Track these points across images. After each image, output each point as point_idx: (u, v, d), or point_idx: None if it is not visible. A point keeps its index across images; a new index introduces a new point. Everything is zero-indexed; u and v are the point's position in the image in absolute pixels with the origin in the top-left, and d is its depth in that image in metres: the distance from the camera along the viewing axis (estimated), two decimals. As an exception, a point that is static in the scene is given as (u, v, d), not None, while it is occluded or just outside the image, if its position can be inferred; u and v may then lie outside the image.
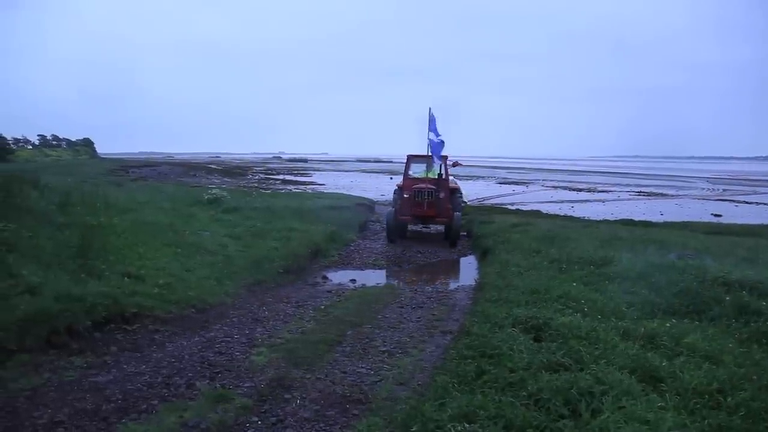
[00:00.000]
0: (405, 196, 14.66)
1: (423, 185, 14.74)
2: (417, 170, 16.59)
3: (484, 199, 33.97)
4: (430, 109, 15.05)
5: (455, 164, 16.90)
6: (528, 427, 3.37)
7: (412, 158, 16.41)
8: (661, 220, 22.90)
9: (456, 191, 15.94)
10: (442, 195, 14.50)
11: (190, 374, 4.91)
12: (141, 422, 3.93)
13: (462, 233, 15.59)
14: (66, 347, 5.22)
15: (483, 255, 12.04)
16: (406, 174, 16.21)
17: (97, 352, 5.26)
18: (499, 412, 3.54)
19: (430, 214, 14.57)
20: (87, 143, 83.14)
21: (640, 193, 43.05)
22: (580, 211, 26.76)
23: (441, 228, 15.79)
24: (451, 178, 16.78)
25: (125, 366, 5.01)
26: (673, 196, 41.05)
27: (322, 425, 4.11)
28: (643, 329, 5.44)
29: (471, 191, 35.56)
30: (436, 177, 15.25)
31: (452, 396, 3.93)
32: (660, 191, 44.96)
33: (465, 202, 18.71)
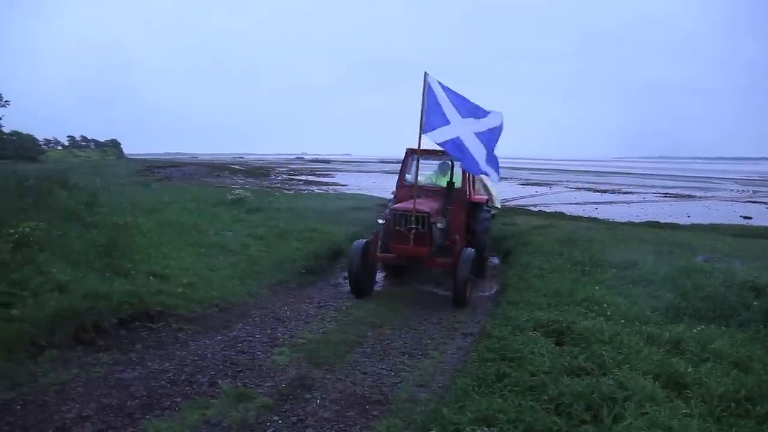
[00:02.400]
0: (380, 221, 9.26)
1: (406, 206, 8.45)
2: (425, 173, 10.49)
3: (506, 200, 33.72)
4: (426, 75, 8.05)
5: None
6: (548, 432, 3.35)
7: (414, 154, 9.14)
8: (688, 223, 22.47)
9: (479, 205, 10.03)
10: (441, 224, 8.39)
11: (212, 372, 4.98)
12: (164, 419, 4.00)
13: (491, 258, 11.55)
14: (93, 344, 5.33)
15: (504, 257, 11.96)
16: (401, 179, 9.99)
17: (123, 349, 5.37)
18: (519, 416, 3.52)
19: (418, 252, 8.24)
20: (114, 144, 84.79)
21: (666, 194, 42.29)
22: (604, 213, 26.38)
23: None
24: (478, 184, 11.93)
25: (150, 363, 5.10)
26: (700, 197, 40.24)
27: (341, 425, 4.13)
28: (667, 334, 5.36)
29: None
30: (447, 185, 9.48)
31: (472, 399, 3.93)
32: (687, 193, 44.12)
33: (496, 208, 13.51)
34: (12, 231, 6.57)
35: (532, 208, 27.10)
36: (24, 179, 10.17)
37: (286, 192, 27.79)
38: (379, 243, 8.92)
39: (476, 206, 9.99)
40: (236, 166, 61.01)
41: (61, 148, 74.40)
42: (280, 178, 49.25)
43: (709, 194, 43.84)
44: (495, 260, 11.85)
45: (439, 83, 8.18)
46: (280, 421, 4.11)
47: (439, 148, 8.41)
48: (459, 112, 8.20)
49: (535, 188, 46.77)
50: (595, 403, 3.67)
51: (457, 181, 9.81)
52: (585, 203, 33.26)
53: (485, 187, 12.71)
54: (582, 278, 8.03)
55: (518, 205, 29.63)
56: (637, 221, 22.00)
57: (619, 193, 43.37)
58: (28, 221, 7.00)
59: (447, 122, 8.10)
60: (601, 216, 24.28)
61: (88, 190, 11.72)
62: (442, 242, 8.76)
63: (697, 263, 9.05)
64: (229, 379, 4.84)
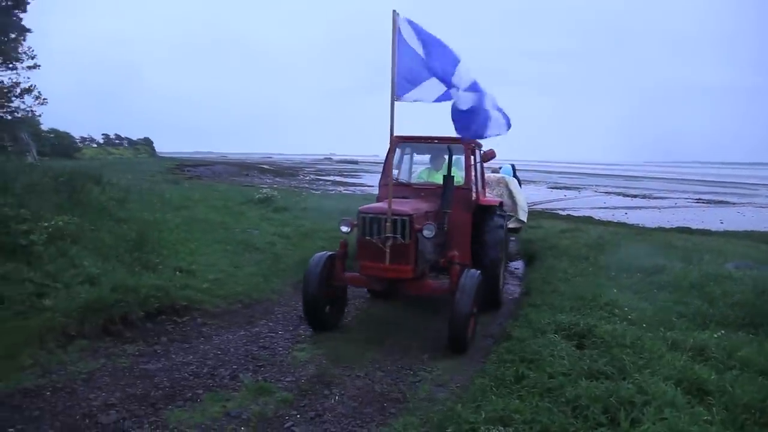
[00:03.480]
0: (343, 228, 6.37)
1: (377, 207, 6.23)
2: (419, 167, 8.68)
3: (533, 204, 33.39)
4: (395, 16, 5.71)
5: (487, 156, 8.76)
6: (564, 434, 3.33)
7: (402, 144, 7.97)
8: (721, 229, 21.92)
9: (490, 209, 7.74)
10: (429, 232, 5.92)
11: (234, 366, 5.08)
12: (186, 409, 4.10)
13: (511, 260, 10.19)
14: (120, 335, 5.49)
15: (530, 260, 11.86)
16: (387, 173, 7.08)
17: (149, 341, 5.52)
18: (535, 416, 3.52)
19: (397, 273, 5.97)
20: (147, 142, 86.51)
21: (699, 200, 41.31)
22: (634, 218, 25.93)
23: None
24: (500, 189, 10.74)
25: (174, 356, 5.23)
26: (735, 204, 39.17)
27: (358, 422, 4.18)
28: (691, 340, 5.26)
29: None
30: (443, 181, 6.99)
31: (489, 399, 3.93)
32: (721, 198, 43.02)
33: (521, 221, 11.23)
34: (47, 224, 6.79)
35: (560, 212, 26.79)
36: (60, 175, 10.49)
37: (313, 192, 28.03)
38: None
39: (486, 210, 7.66)
40: (265, 166, 61.76)
41: (95, 145, 76.32)
42: (308, 178, 49.66)
43: (744, 200, 42.64)
44: (518, 264, 11.66)
45: (414, 26, 5.80)
46: (298, 416, 4.18)
47: (434, 135, 7.43)
48: (443, 62, 5.75)
49: (564, 192, 46.17)
50: (613, 406, 3.63)
51: (458, 176, 7.39)
52: (614, 208, 32.70)
53: (510, 193, 10.96)
54: (607, 283, 7.91)
55: (546, 209, 29.30)
56: (667, 227, 21.55)
57: (649, 198, 42.53)
58: (62, 215, 7.23)
59: (427, 76, 5.81)
60: (630, 221, 23.87)
61: (120, 186, 12.03)
62: (434, 258, 6.47)
63: (727, 270, 8.84)
64: (250, 374, 4.93)
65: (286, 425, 4.00)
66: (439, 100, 5.97)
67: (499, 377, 4.47)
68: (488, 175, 10.45)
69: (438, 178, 7.45)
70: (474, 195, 7.62)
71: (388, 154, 7.28)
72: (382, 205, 6.20)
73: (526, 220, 11.08)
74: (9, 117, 14.80)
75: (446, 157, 7.07)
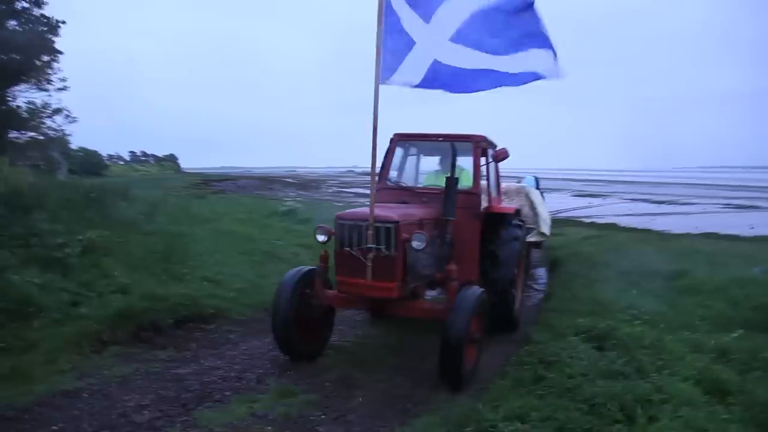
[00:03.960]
0: (319, 237, 5.48)
1: (357, 213, 5.30)
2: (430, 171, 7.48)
3: (558, 212, 33.13)
4: None
5: (500, 155, 6.72)
6: (579, 430, 3.41)
7: (402, 143, 6.99)
8: (751, 234, 21.48)
9: (504, 218, 6.83)
10: (419, 243, 4.92)
11: (260, 371, 5.24)
12: (215, 410, 4.27)
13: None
14: (152, 342, 5.73)
15: (552, 266, 11.86)
16: (382, 176, 6.66)
17: (179, 347, 5.73)
18: (552, 414, 3.60)
19: (381, 291, 5.05)
20: (172, 159, 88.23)
21: (728, 205, 40.48)
22: (660, 225, 25.51)
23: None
24: (520, 199, 9.77)
25: (203, 360, 5.42)
26: (766, 208, 38.34)
27: (380, 421, 4.28)
28: (713, 342, 5.27)
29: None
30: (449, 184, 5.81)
31: (507, 399, 4.01)
32: (751, 203, 42.10)
33: (542, 234, 10.07)
34: (80, 238, 7.11)
35: (585, 220, 26.52)
36: (89, 191, 10.88)
37: (336, 204, 28.30)
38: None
39: (498, 219, 6.71)
40: (289, 179, 62.42)
41: (122, 163, 78.08)
42: (330, 190, 50.04)
43: (776, 205, 41.68)
44: (540, 271, 11.62)
45: None
46: (323, 416, 4.31)
47: (440, 132, 6.53)
48: (424, 14, 4.84)
49: (589, 199, 45.64)
50: (630, 404, 3.70)
51: (466, 178, 6.51)
52: (640, 214, 32.23)
53: (531, 204, 9.94)
54: (628, 287, 7.91)
55: (570, 217, 29.05)
56: (695, 232, 21.21)
57: (676, 203, 41.81)
58: (94, 229, 7.55)
59: (411, 42, 4.89)
60: (656, 227, 23.54)
61: (148, 201, 12.39)
62: (431, 274, 5.46)
63: (753, 274, 8.76)
64: (276, 377, 5.09)
65: (310, 425, 4.13)
66: (424, 83, 4.93)
67: (519, 378, 4.55)
68: (507, 184, 9.89)
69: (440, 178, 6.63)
70: (484, 201, 6.62)
71: (386, 154, 6.70)
72: (363, 210, 5.18)
73: (549, 233, 9.86)
74: (41, 137, 15.34)
75: (453, 152, 6.03)
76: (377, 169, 5.51)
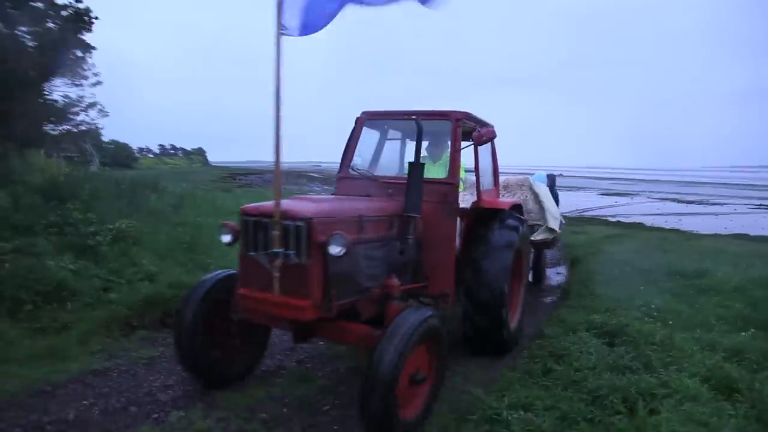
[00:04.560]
0: (224, 238, 4.26)
1: (264, 206, 4.00)
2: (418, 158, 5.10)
3: (583, 210, 32.82)
4: None
5: (483, 137, 5.19)
6: (581, 419, 3.52)
7: (373, 121, 5.83)
8: (784, 236, 21.03)
9: (496, 215, 5.67)
10: (338, 247, 3.67)
11: (279, 357, 5.44)
12: (235, 392, 4.47)
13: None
14: (176, 327, 6.00)
15: (572, 265, 11.87)
16: (346, 161, 5.64)
17: (202, 334, 5.98)
18: (555, 404, 3.71)
19: (289, 311, 3.79)
20: (200, 152, 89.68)
21: (761, 206, 39.55)
22: (688, 225, 25.14)
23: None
24: (524, 192, 8.60)
25: (224, 346, 5.65)
26: (802, 209, 37.31)
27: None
28: (725, 341, 5.30)
29: (569, 203, 34.45)
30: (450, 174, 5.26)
31: (515, 389, 4.14)
32: (786, 204, 41.02)
33: (550, 230, 8.47)
34: (110, 227, 7.43)
35: (610, 219, 26.29)
36: (120, 183, 11.28)
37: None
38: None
39: (489, 217, 5.59)
40: (314, 174, 62.93)
41: (152, 156, 79.60)
42: (354, 185, 50.17)
43: (813, 206, 40.55)
44: (560, 269, 11.61)
45: None
46: (336, 401, 4.49)
47: (417, 109, 5.36)
48: None
49: (615, 198, 45.11)
50: (633, 397, 3.79)
51: (439, 168, 5.67)
52: (667, 214, 31.78)
53: (535, 197, 8.57)
54: (645, 286, 7.92)
55: (595, 216, 28.81)
56: (724, 233, 20.88)
57: (706, 204, 41.03)
58: (124, 219, 7.88)
59: None
60: (684, 227, 23.21)
61: (175, 193, 12.77)
62: (371, 285, 4.25)
63: (776, 275, 8.66)
64: (294, 364, 5.29)
65: (323, 408, 4.32)
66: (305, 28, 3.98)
67: (528, 371, 4.68)
68: (507, 177, 8.90)
69: (438, 172, 5.56)
70: (469, 194, 5.86)
71: (350, 136, 5.66)
72: (266, 205, 4.03)
73: (558, 229, 8.46)
74: (75, 130, 15.88)
75: (448, 142, 5.37)
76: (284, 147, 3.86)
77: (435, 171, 5.64)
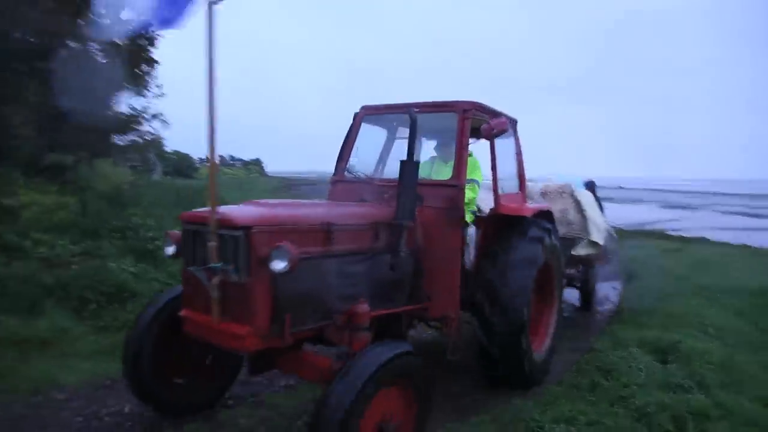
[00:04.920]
0: (167, 249, 3.89)
1: (198, 214, 3.49)
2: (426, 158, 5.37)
3: (642, 224, 31.67)
4: None
5: (493, 129, 4.37)
6: (626, 436, 3.43)
7: (369, 116, 5.12)
8: None
9: (517, 224, 4.78)
10: (281, 261, 3.04)
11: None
12: (283, 395, 4.58)
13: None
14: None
15: (627, 279, 11.50)
16: (342, 164, 5.04)
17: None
18: (600, 419, 3.63)
19: (229, 339, 3.20)
20: (257, 162, 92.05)
21: (842, 221, 36.97)
22: (757, 240, 23.84)
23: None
24: (564, 201, 7.41)
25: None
26: None
27: (439, 414, 4.39)
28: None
29: (628, 216, 33.26)
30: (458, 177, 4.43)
31: (558, 403, 4.07)
32: None
33: (593, 243, 7.15)
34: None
35: (671, 233, 25.23)
36: (180, 191, 11.80)
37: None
38: None
39: (509, 225, 4.78)
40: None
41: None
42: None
43: None
44: (615, 284, 11.19)
45: None
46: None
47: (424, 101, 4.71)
48: None
49: (678, 212, 43.25)
50: (683, 416, 3.66)
51: (451, 169, 4.60)
52: (734, 229, 30.11)
53: (578, 206, 7.42)
54: (704, 302, 7.61)
55: (655, 229, 27.73)
56: (800, 250, 19.63)
57: (778, 218, 38.73)
58: (181, 226, 8.22)
59: None
60: (752, 243, 21.99)
61: (231, 202, 13.19)
62: (339, 308, 3.51)
63: None
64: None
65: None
66: None
67: (574, 384, 4.59)
68: (544, 183, 7.99)
69: (447, 173, 4.70)
70: (487, 199, 5.05)
71: (347, 134, 5.07)
72: (203, 211, 3.45)
73: (603, 242, 7.29)
74: (139, 140, 16.66)
75: (454, 133, 4.57)
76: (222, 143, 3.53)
77: (447, 172, 4.75)
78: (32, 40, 10.19)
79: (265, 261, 3.08)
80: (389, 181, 4.50)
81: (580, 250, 7.20)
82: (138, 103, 15.74)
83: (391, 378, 3.04)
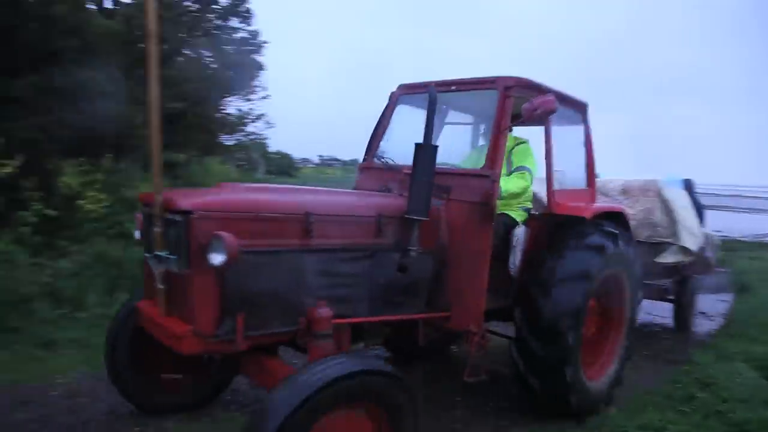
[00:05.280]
0: (136, 233, 3.39)
1: (151, 194, 2.92)
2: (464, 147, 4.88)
3: (763, 235, 28.92)
4: None
5: (537, 110, 3.45)
6: (721, 450, 3.23)
7: (404, 96, 4.54)
8: None
9: (575, 225, 4.06)
10: (219, 255, 2.58)
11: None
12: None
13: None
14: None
15: (740, 291, 10.63)
16: (373, 149, 4.54)
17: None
18: (691, 430, 3.44)
19: (169, 337, 2.82)
20: (354, 163, 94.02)
21: None
22: None
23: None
24: (650, 201, 6.55)
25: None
26: None
27: (519, 416, 4.33)
28: None
29: (747, 226, 30.45)
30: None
31: (647, 411, 3.90)
32: None
33: (686, 251, 6.38)
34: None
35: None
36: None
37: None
38: None
39: (563, 228, 4.10)
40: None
41: (312, 166, 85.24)
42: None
43: None
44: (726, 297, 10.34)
45: None
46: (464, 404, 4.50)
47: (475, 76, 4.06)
48: None
49: (806, 221, 39.03)
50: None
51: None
52: None
53: (665, 206, 6.48)
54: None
55: (777, 240, 25.26)
56: None
57: None
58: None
59: None
60: None
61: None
62: (294, 313, 2.99)
63: None
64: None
65: (454, 412, 4.27)
66: None
67: (668, 395, 4.38)
68: (626, 180, 6.94)
69: (480, 160, 4.00)
70: (540, 195, 4.53)
71: (381, 116, 4.59)
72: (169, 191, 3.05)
73: (695, 249, 6.38)
74: (245, 140, 17.69)
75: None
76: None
77: (480, 158, 4.08)
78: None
79: (203, 249, 2.67)
80: (452, 170, 3.99)
81: (668, 257, 6.36)
82: (244, 105, 16.80)
83: (350, 398, 2.51)
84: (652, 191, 6.56)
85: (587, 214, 4.07)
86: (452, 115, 4.82)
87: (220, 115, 15.43)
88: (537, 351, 3.76)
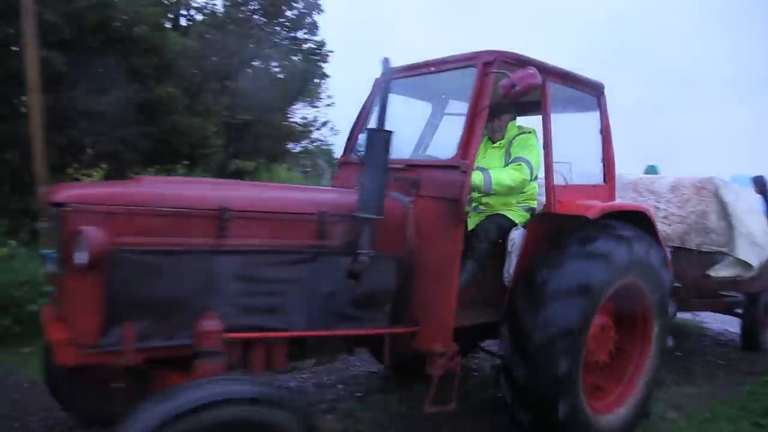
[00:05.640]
0: None
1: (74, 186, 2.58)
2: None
3: None
4: None
5: (515, 86, 2.87)
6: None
7: (402, 79, 3.71)
8: None
9: (581, 224, 3.40)
10: (79, 253, 2.24)
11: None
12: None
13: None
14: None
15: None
16: (350, 143, 4.07)
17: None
18: (766, 442, 3.30)
19: (54, 346, 2.34)
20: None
21: None
22: None
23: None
24: (706, 202, 5.46)
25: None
26: None
27: None
28: None
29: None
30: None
31: (718, 421, 3.77)
32: None
33: (744, 264, 5.39)
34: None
35: None
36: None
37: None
38: None
39: (564, 231, 3.47)
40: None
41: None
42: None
43: None
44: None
45: None
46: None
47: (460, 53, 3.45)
48: None
49: None
50: None
51: (498, 153, 3.87)
52: None
53: (721, 209, 5.44)
54: None
55: None
56: None
57: None
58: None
59: None
60: None
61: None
62: (242, 325, 2.65)
63: None
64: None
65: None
66: None
67: (743, 407, 4.20)
68: (677, 176, 5.96)
69: (495, 160, 3.79)
70: (538, 193, 3.94)
71: (362, 106, 4.06)
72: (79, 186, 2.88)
73: (757, 264, 5.45)
74: (311, 146, 18.16)
75: (508, 110, 3.83)
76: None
77: (492, 158, 3.78)
78: (224, 62, 11.81)
79: (69, 246, 2.32)
80: (393, 162, 3.10)
81: (721, 271, 5.39)
82: (310, 113, 17.31)
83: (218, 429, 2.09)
84: (708, 190, 5.50)
85: (591, 214, 3.38)
86: (452, 105, 4.25)
87: (286, 123, 15.99)
88: (521, 380, 3.16)
